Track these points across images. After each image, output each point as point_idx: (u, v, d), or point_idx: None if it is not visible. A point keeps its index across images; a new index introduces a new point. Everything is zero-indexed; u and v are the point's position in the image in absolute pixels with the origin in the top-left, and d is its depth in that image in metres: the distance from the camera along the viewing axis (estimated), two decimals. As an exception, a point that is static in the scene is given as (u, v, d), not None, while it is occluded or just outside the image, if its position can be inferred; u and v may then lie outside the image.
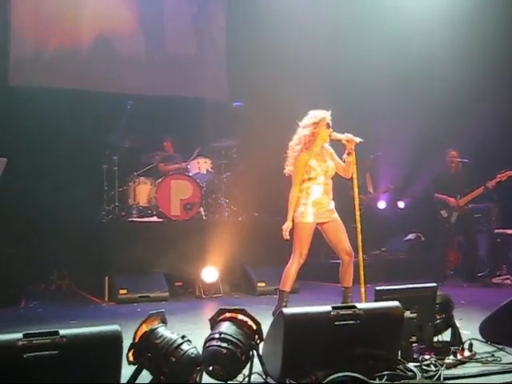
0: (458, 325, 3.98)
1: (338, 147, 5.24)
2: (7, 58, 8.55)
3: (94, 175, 8.03)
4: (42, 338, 2.60)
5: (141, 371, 3.11)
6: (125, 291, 6.81)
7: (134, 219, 7.75)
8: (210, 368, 3.18)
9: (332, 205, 5.19)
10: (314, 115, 5.10)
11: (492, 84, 8.38)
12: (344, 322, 3.23)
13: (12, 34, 8.61)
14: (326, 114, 5.10)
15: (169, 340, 3.16)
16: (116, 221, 7.77)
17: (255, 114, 8.56)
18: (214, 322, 3.38)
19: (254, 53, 9.13)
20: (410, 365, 3.42)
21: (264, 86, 8.74)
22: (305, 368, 3.15)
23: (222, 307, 3.43)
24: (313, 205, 5.07)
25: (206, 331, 3.39)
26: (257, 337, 3.31)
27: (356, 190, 5.27)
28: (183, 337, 3.21)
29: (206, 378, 3.21)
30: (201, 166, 8.37)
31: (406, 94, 8.92)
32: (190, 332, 3.37)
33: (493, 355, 3.77)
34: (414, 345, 3.68)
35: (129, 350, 3.11)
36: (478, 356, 3.76)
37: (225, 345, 3.19)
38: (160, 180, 7.85)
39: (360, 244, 5.22)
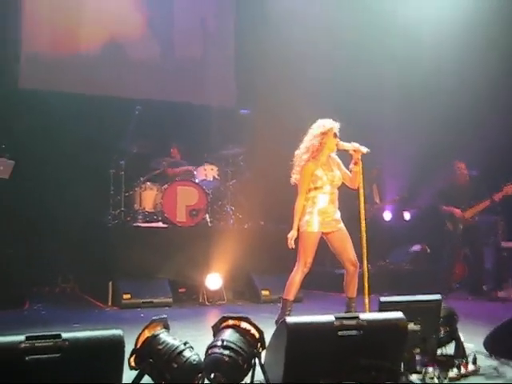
0: (462, 338, 3.95)
1: (345, 157, 5.24)
2: (18, 61, 8.60)
3: (101, 180, 8.05)
4: (45, 340, 2.60)
5: (142, 377, 3.11)
6: (128, 296, 6.80)
7: (140, 224, 7.76)
8: (212, 375, 3.17)
9: (338, 214, 5.18)
10: (323, 124, 5.11)
11: (499, 97, 8.36)
12: (347, 332, 3.21)
13: (23, 38, 8.68)
14: (333, 124, 5.11)
15: (171, 346, 3.16)
16: (121, 225, 7.77)
17: (262, 121, 8.58)
18: (217, 330, 3.38)
19: (262, 61, 9.16)
20: (413, 377, 3.40)
21: (271, 94, 8.77)
22: (307, 378, 3.13)
23: (225, 314, 3.43)
24: (318, 214, 5.06)
25: (209, 338, 3.38)
26: (259, 345, 3.31)
27: (362, 199, 5.25)
28: (185, 343, 3.21)
29: (207, 385, 3.21)
30: (207, 172, 8.39)
31: (413, 104, 8.93)
32: (193, 339, 3.36)
33: (497, 370, 3.74)
34: (417, 357, 3.66)
35: (131, 355, 3.11)
36: (481, 370, 3.73)
37: (227, 352, 3.18)
38: (166, 186, 7.85)
39: (365, 254, 5.20)
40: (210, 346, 3.28)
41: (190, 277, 7.24)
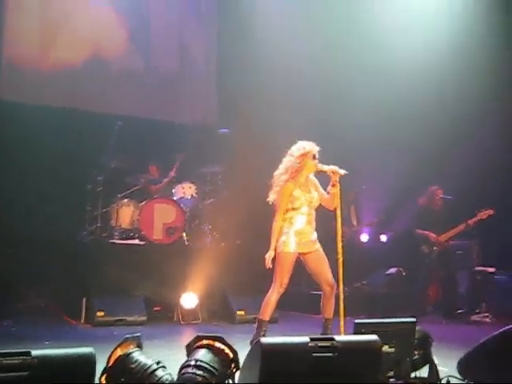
0: (435, 361, 3.96)
1: (324, 179, 5.27)
2: (-1, 73, 8.56)
3: (79, 195, 7.99)
4: (13, 358, 2.55)
5: (113, 396, 3.06)
6: (102, 313, 6.71)
7: (116, 241, 7.70)
8: (184, 396, 3.14)
9: (315, 235, 5.20)
10: (303, 146, 5.15)
11: (476, 123, 8.49)
12: (322, 354, 3.20)
13: (5, 50, 8.63)
14: (313, 147, 5.16)
15: (144, 365, 3.13)
16: (98, 242, 7.71)
17: (242, 141, 8.61)
18: (191, 349, 3.35)
19: (244, 79, 9.23)
20: (387, 400, 3.40)
21: (252, 113, 8.83)
22: (280, 399, 3.11)
23: (200, 334, 3.40)
24: (295, 234, 5.07)
25: (182, 358, 3.35)
26: (233, 365, 3.28)
27: (339, 221, 5.28)
28: (158, 362, 3.18)
29: (179, 405, 3.16)
30: (185, 190, 8.37)
31: (393, 130, 9.02)
32: (166, 358, 3.33)
33: (469, 393, 3.75)
34: (391, 380, 3.66)
35: (102, 374, 3.06)
36: (454, 394, 3.74)
37: (200, 372, 3.15)
38: (143, 203, 7.82)
39: (341, 276, 5.20)
40: (183, 366, 3.25)
41: (165, 295, 7.18)
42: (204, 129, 9.34)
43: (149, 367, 3.11)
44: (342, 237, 5.33)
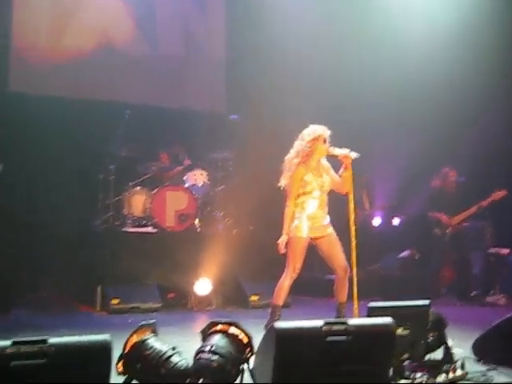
0: (450, 343, 3.96)
1: (336, 161, 5.25)
2: (8, 64, 8.56)
3: (90, 184, 8.02)
4: (31, 346, 2.57)
5: (130, 382, 3.08)
6: (117, 301, 6.76)
7: (129, 229, 7.73)
8: (200, 381, 3.16)
9: (327, 219, 5.19)
10: (313, 130, 5.13)
11: (488, 105, 8.42)
12: (336, 338, 3.21)
13: (13, 41, 8.63)
14: (324, 130, 5.14)
15: (159, 351, 3.15)
16: (111, 230, 7.74)
17: (252, 126, 8.58)
18: (205, 335, 3.37)
19: (253, 67, 9.18)
20: (402, 382, 3.40)
21: (262, 99, 8.79)
22: (295, 382, 3.12)
23: (214, 320, 3.41)
24: (308, 219, 5.07)
25: (197, 343, 3.36)
26: (248, 350, 3.29)
27: (352, 205, 5.26)
28: (174, 348, 3.20)
29: (195, 390, 3.18)
30: (197, 177, 8.37)
31: (405, 112, 8.96)
32: (181, 344, 3.35)
33: (485, 374, 3.75)
34: (405, 362, 3.66)
35: (118, 361, 3.09)
36: (470, 375, 3.73)
37: (215, 358, 3.17)
38: (155, 191, 7.84)
39: (354, 260, 5.20)
40: (199, 351, 3.27)
41: (178, 282, 7.21)
42: (212, 116, 9.31)
43: (164, 353, 3.13)
44: (355, 221, 5.31)
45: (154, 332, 3.32)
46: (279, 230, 5.11)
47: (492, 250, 8.13)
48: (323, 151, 5.14)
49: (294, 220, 5.07)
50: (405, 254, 9.01)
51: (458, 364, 3.80)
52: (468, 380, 3.69)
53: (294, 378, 3.14)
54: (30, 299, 7.20)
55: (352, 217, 5.24)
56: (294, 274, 5.08)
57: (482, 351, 4.09)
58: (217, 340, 3.26)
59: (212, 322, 3.39)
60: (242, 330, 3.32)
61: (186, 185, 8.20)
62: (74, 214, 7.86)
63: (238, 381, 3.24)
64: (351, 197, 5.25)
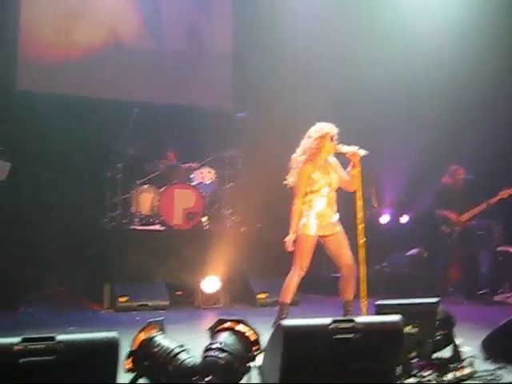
0: (458, 342, 3.94)
1: (345, 159, 5.23)
2: (15, 63, 8.59)
3: (98, 182, 8.05)
4: (39, 343, 2.59)
5: (138, 379, 3.09)
6: (124, 299, 6.79)
7: (136, 227, 7.75)
8: (208, 378, 3.16)
9: (335, 217, 5.18)
10: (321, 128, 5.10)
11: (497, 102, 8.38)
12: (343, 336, 3.20)
13: (20, 40, 8.67)
14: (331, 128, 5.11)
15: (167, 349, 3.15)
16: (118, 228, 7.76)
17: (260, 124, 8.57)
18: (213, 332, 3.37)
19: (261, 64, 9.17)
20: (409, 380, 3.39)
21: (269, 97, 8.77)
22: (303, 380, 3.12)
23: (221, 317, 3.41)
24: (316, 217, 5.06)
25: (205, 341, 3.37)
26: (255, 348, 3.30)
27: (360, 203, 5.24)
28: (181, 346, 3.20)
29: (203, 388, 3.19)
30: (204, 175, 8.38)
31: (413, 108, 8.94)
32: (189, 342, 3.35)
33: (493, 373, 3.73)
34: (413, 360, 3.65)
35: (126, 358, 3.09)
36: (478, 374, 3.72)
37: (223, 355, 3.17)
38: (163, 189, 7.85)
39: (362, 258, 5.19)
40: (206, 349, 3.27)
41: (186, 280, 7.22)
42: (219, 113, 9.31)
43: (172, 350, 3.14)
44: (363, 218, 5.29)
45: (162, 329, 3.33)
46: (287, 228, 5.10)
47: (500, 249, 8.10)
48: (331, 149, 5.12)
49: (301, 218, 5.06)
50: (413, 251, 8.99)
51: (467, 362, 3.79)
52: (476, 379, 3.68)
53: (301, 375, 3.14)
54: (38, 297, 7.24)
55: (360, 215, 5.22)
56: (302, 272, 5.08)
57: (490, 350, 4.07)
58: (224, 337, 3.27)
59: (220, 320, 3.39)
60: (250, 328, 3.33)
61: (194, 183, 8.20)
62: (81, 212, 7.89)
63: (245, 378, 3.24)
64: (359, 194, 5.23)
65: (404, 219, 9.62)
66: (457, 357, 3.87)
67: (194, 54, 9.79)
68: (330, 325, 3.21)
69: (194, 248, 7.37)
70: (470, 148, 8.18)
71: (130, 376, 3.10)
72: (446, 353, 3.91)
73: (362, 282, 5.13)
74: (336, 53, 9.14)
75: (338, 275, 5.30)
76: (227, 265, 7.23)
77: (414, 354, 3.67)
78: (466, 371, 3.72)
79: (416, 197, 9.25)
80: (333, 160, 5.24)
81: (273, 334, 3.34)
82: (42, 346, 2.59)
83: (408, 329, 3.58)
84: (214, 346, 3.23)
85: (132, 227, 7.75)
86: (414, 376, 3.52)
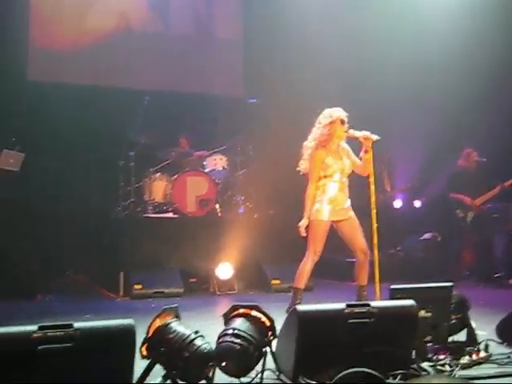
0: (473, 325, 3.93)
1: (356, 145, 5.21)
2: (26, 53, 8.61)
3: (111, 171, 8.07)
4: (56, 330, 2.61)
5: (154, 365, 3.12)
6: (139, 286, 6.83)
7: (150, 215, 7.78)
8: (223, 364, 3.18)
9: (348, 203, 5.17)
10: (329, 113, 5.09)
11: (508, 81, 8.29)
12: (358, 320, 3.21)
13: (31, 30, 8.68)
14: (341, 112, 5.09)
15: (182, 335, 3.16)
16: (132, 216, 7.80)
17: (271, 111, 8.55)
18: (228, 318, 3.38)
19: (272, 49, 9.13)
20: (425, 364, 3.39)
21: (280, 83, 8.75)
22: (318, 365, 3.13)
23: (236, 303, 3.43)
24: (328, 202, 5.05)
25: (220, 327, 3.38)
26: (270, 333, 3.30)
27: (373, 187, 5.23)
28: (196, 332, 3.21)
29: (218, 373, 3.21)
30: (217, 162, 8.38)
31: (424, 91, 8.86)
32: (203, 328, 3.36)
33: (509, 357, 3.72)
34: (428, 344, 3.65)
35: (142, 345, 3.11)
36: (493, 357, 3.71)
37: (238, 341, 3.18)
38: (176, 176, 7.87)
39: (376, 242, 5.18)
40: (221, 335, 3.29)
41: (200, 267, 7.26)
42: (231, 100, 9.28)
43: (187, 337, 3.15)
44: (376, 203, 5.28)
45: (177, 316, 3.34)
46: (299, 214, 5.10)
47: (516, 231, 8.04)
48: (342, 134, 5.10)
49: (315, 203, 5.06)
50: (427, 236, 8.95)
51: (482, 346, 3.78)
52: (491, 362, 3.67)
53: (316, 360, 3.15)
54: (55, 286, 7.31)
55: (373, 199, 5.21)
56: (315, 257, 5.09)
57: (505, 333, 4.06)
58: (239, 323, 3.28)
59: (234, 306, 3.40)
60: (264, 314, 3.33)
61: (206, 170, 8.21)
62: (95, 202, 7.93)
63: (260, 364, 3.25)
64: (372, 179, 5.22)
65: (417, 204, 9.57)
66: (472, 340, 3.86)
67: (204, 41, 9.76)
68: (344, 309, 3.22)
69: (207, 235, 7.39)
70: (484, 130, 8.10)
71: (145, 362, 3.12)
72: (462, 336, 3.91)
73: (375, 267, 5.12)
74: (345, 35, 9.06)
75: (353, 260, 5.30)
76: (241, 251, 7.25)
77: (429, 337, 3.67)
78: (482, 355, 3.71)
79: (428, 181, 9.20)
80: (345, 145, 5.22)
81: (287, 319, 3.36)
82: (60, 333, 2.62)
83: (422, 313, 3.58)
84: (228, 332, 3.24)
85: (145, 215, 7.79)
86: (430, 360, 3.52)
